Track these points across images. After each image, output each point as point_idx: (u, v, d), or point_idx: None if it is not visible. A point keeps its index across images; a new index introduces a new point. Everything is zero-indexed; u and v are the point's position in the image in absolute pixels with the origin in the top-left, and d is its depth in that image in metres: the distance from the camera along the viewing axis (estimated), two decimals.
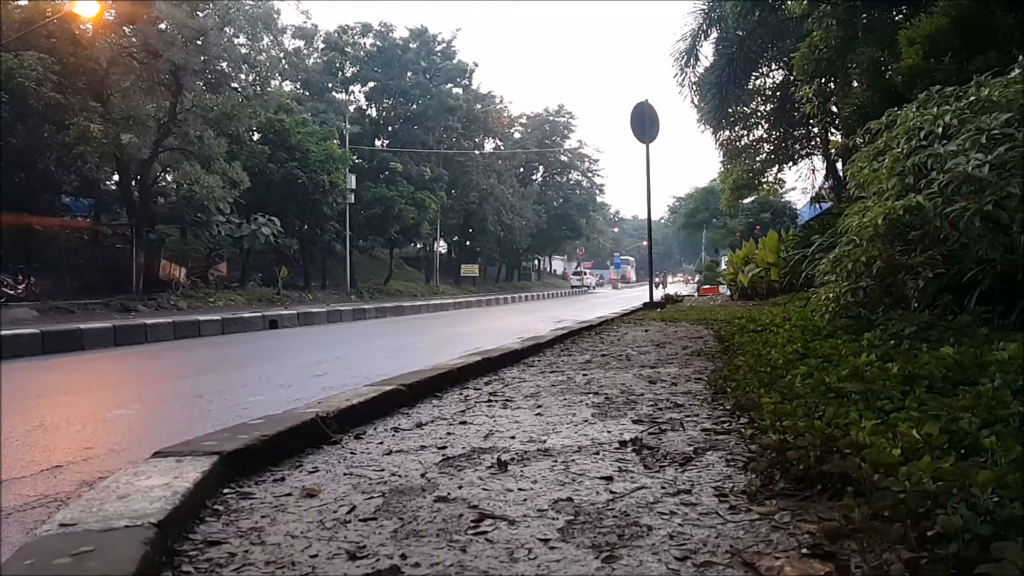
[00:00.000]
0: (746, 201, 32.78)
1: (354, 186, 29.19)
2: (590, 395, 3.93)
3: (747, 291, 15.11)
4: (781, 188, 28.18)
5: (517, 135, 54.09)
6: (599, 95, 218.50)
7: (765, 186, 24.60)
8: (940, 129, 4.65)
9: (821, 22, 11.48)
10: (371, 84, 39.29)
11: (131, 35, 18.93)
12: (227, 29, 20.37)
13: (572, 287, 35.70)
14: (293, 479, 2.40)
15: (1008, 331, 3.76)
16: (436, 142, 39.38)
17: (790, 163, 22.22)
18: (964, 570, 1.31)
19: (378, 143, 38.23)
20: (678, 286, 38.99)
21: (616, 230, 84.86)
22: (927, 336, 3.92)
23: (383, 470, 2.48)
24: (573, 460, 2.51)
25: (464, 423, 3.30)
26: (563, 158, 57.29)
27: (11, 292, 16.15)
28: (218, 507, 2.10)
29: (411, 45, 40.12)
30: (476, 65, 43.16)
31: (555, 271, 72.83)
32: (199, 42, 19.24)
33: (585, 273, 57.63)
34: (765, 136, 21.84)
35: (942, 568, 1.35)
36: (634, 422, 3.14)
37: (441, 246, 44.56)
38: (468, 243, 47.98)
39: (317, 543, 1.77)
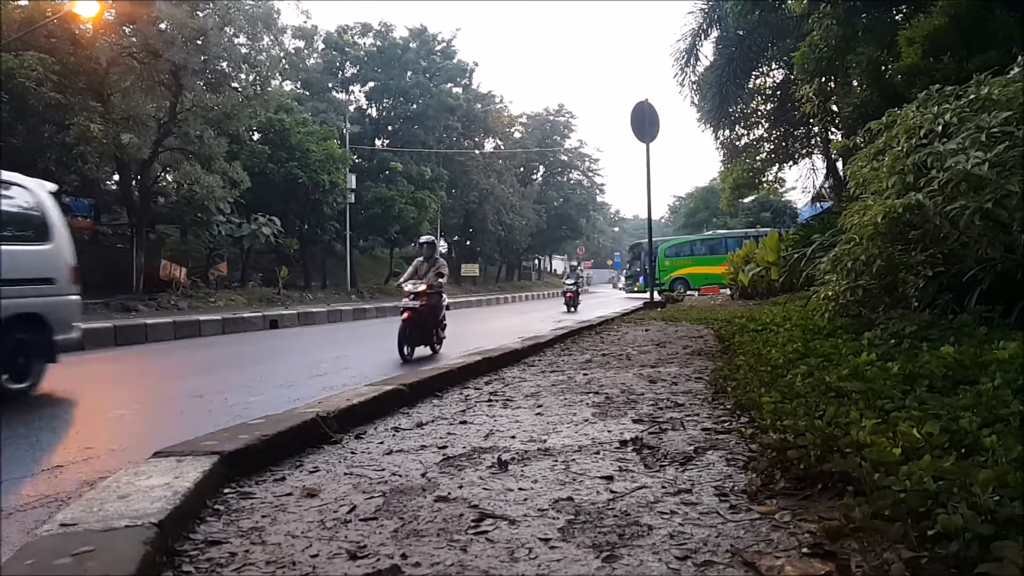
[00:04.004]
0: (746, 200, 32.79)
1: (354, 186, 29.18)
2: (590, 395, 3.93)
3: (747, 290, 15.11)
4: (781, 187, 28.21)
5: (517, 135, 54.07)
6: (599, 95, 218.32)
7: (765, 185, 24.62)
8: (940, 127, 4.65)
9: (821, 22, 11.49)
10: (371, 84, 39.27)
11: (131, 35, 18.91)
12: (227, 29, 20.35)
13: (566, 290, 22.96)
14: (294, 479, 2.40)
15: (1008, 330, 3.75)
16: (436, 142, 39.36)
17: (790, 162, 22.24)
18: (965, 569, 1.31)
19: (378, 143, 38.20)
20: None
21: (616, 230, 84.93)
22: (927, 335, 3.92)
23: (383, 470, 2.48)
24: (573, 460, 2.51)
25: (464, 423, 3.30)
26: (563, 158, 57.27)
27: None
28: (219, 507, 2.10)
29: (411, 45, 40.10)
30: (476, 65, 43.23)
31: (555, 271, 72.80)
32: (199, 42, 19.21)
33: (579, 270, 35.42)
34: (765, 135, 21.86)
35: (943, 567, 1.35)
36: (634, 421, 3.14)
37: (441, 246, 44.50)
38: (468, 243, 47.98)
39: (318, 543, 1.77)
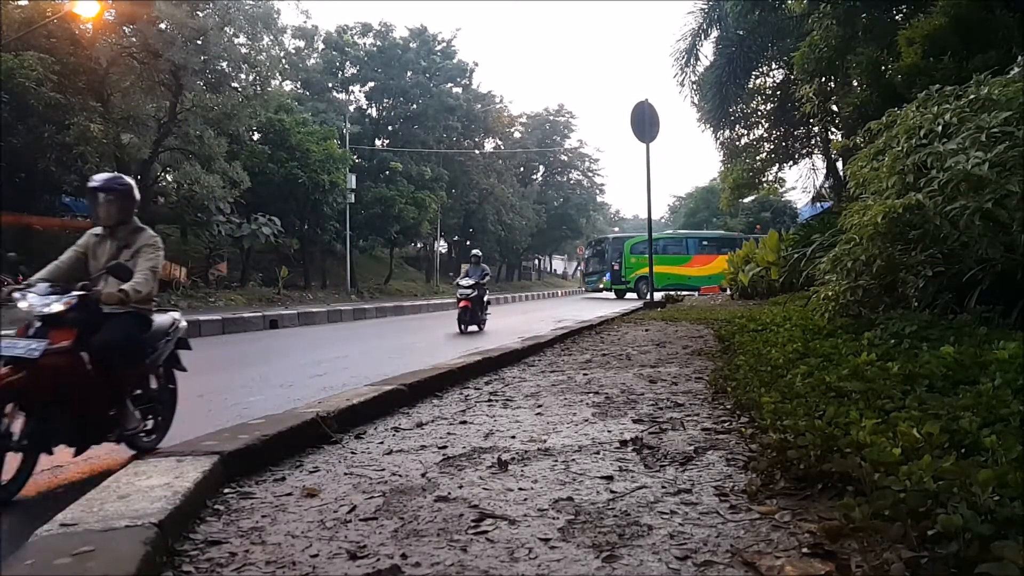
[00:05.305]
0: (746, 200, 32.86)
1: (354, 186, 29.16)
2: (590, 395, 3.93)
3: (747, 290, 15.11)
4: (781, 187, 28.25)
5: (517, 135, 54.07)
6: (599, 95, 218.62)
7: (765, 185, 24.63)
8: (940, 128, 4.65)
9: (821, 22, 11.49)
10: (371, 84, 39.27)
11: (131, 35, 18.93)
12: (227, 29, 20.37)
13: (460, 297, 12.51)
14: (294, 479, 2.40)
15: (1008, 330, 3.76)
16: (436, 142, 39.36)
17: (790, 162, 22.26)
18: (964, 569, 1.31)
19: (378, 143, 38.19)
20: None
21: (616, 229, 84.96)
22: (927, 335, 3.92)
23: (383, 470, 2.48)
24: (573, 460, 2.51)
25: (464, 423, 3.30)
26: (563, 158, 57.27)
27: None
28: (219, 507, 2.10)
29: (411, 45, 40.10)
30: (476, 65, 43.21)
31: (555, 271, 72.83)
32: (199, 42, 19.23)
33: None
34: (765, 135, 21.87)
35: (942, 567, 1.35)
36: (634, 421, 3.14)
37: (441, 246, 44.55)
38: (468, 243, 47.99)
39: (317, 543, 1.77)
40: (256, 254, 25.64)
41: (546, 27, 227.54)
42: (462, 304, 12.44)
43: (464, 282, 12.85)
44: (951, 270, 4.55)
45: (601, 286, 31.22)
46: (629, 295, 28.97)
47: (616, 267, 29.67)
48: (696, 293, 24.65)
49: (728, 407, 3.35)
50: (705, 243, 31.10)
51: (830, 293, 5.41)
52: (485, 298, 13.09)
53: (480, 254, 14.66)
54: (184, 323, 4.35)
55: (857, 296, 5.22)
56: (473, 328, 12.46)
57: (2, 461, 3.04)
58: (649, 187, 16.97)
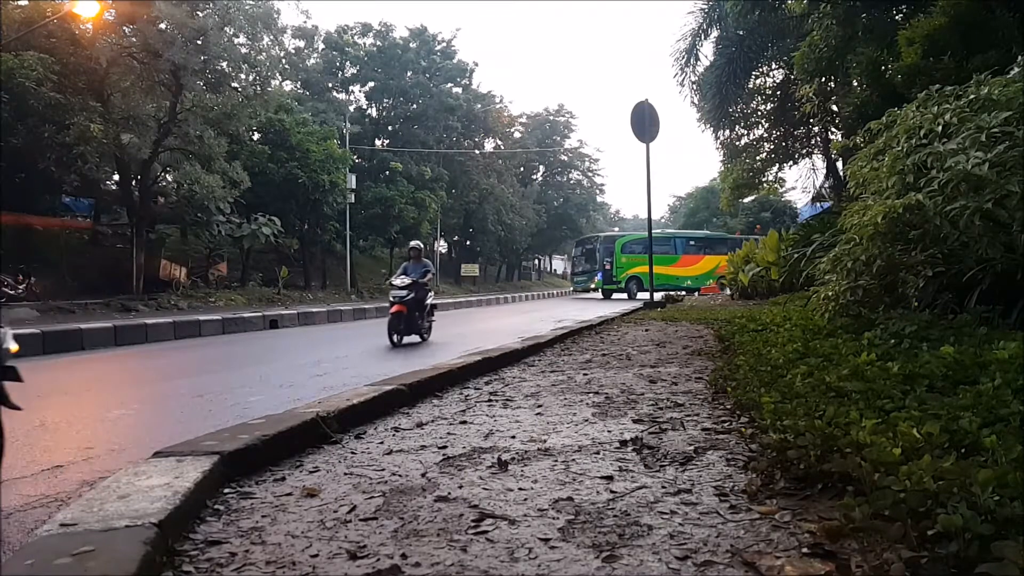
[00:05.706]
0: (746, 200, 32.91)
1: (354, 186, 29.18)
2: (590, 395, 3.93)
3: (747, 290, 15.12)
4: (781, 187, 28.27)
5: (517, 135, 54.11)
6: (599, 95, 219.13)
7: (765, 185, 24.65)
8: (940, 128, 4.65)
9: (821, 22, 11.49)
10: (371, 84, 39.29)
11: (131, 35, 18.93)
12: (227, 29, 20.36)
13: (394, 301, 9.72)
14: (294, 479, 2.40)
15: (1008, 330, 3.75)
16: (436, 142, 39.39)
17: (790, 162, 22.27)
18: (965, 569, 1.31)
19: (378, 143, 38.21)
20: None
21: (616, 229, 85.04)
22: (927, 335, 3.92)
23: (383, 470, 2.48)
24: (573, 460, 2.50)
25: (464, 423, 3.30)
26: (563, 158, 57.30)
27: (11, 292, 16.17)
28: (219, 507, 2.10)
29: (411, 45, 40.12)
30: (476, 65, 43.27)
31: (555, 271, 72.84)
32: (199, 42, 19.23)
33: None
34: (765, 135, 21.89)
35: (943, 567, 1.35)
36: (634, 421, 3.14)
37: (441, 246, 44.56)
38: (468, 243, 48.01)
39: (317, 543, 1.77)
40: (256, 254, 25.66)
41: (546, 27, 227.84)
42: (394, 309, 9.73)
43: (398, 281, 10.01)
44: (951, 270, 4.55)
45: (592, 286, 30.95)
46: (617, 295, 28.77)
47: (608, 267, 29.43)
48: (695, 293, 24.61)
49: (728, 407, 3.35)
50: (692, 243, 31.18)
51: (830, 293, 5.41)
52: (428, 300, 10.41)
53: (420, 246, 11.00)
54: (11, 344, 2.74)
55: (857, 296, 5.21)
56: (412, 339, 9.96)
57: None
58: (649, 187, 17.02)
